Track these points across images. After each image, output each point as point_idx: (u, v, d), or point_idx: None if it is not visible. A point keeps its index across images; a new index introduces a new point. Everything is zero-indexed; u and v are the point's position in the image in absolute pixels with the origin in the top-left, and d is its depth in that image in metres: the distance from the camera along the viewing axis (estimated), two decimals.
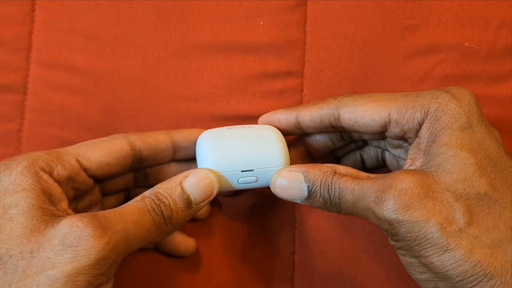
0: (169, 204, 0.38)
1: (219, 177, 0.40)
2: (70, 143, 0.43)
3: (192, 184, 0.39)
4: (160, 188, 0.38)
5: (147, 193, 0.38)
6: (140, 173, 0.46)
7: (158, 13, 0.49)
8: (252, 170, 0.40)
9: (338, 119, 0.41)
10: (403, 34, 0.48)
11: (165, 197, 0.38)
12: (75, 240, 0.34)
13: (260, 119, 0.45)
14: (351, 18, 0.49)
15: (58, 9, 0.49)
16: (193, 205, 0.39)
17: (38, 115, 0.48)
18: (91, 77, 0.49)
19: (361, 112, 0.40)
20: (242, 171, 0.40)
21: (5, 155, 0.46)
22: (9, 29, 0.49)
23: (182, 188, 0.38)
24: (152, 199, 0.38)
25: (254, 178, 0.41)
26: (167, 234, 0.39)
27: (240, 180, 0.41)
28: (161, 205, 0.37)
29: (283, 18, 0.49)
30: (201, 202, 0.39)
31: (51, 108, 0.48)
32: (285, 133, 0.43)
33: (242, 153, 0.40)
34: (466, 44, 0.48)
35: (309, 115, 0.42)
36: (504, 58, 0.48)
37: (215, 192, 0.40)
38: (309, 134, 0.45)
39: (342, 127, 0.42)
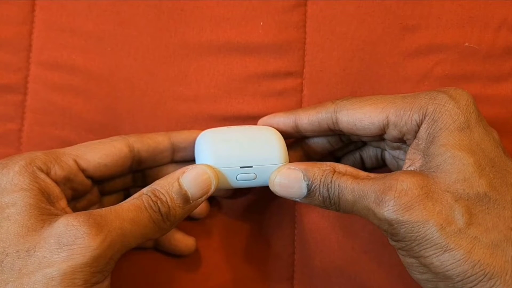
0: (166, 200, 0.38)
1: (218, 173, 0.40)
2: (70, 143, 0.43)
3: (189, 180, 0.39)
4: (158, 185, 0.38)
5: (144, 190, 0.38)
6: (138, 174, 0.46)
7: (158, 13, 0.49)
8: (251, 167, 0.40)
9: (336, 122, 0.41)
10: (403, 34, 0.48)
11: (162, 193, 0.38)
12: (71, 239, 0.34)
13: (259, 122, 0.46)
14: (351, 18, 0.49)
15: (58, 9, 0.49)
16: (191, 201, 0.39)
17: (39, 115, 0.48)
18: (91, 78, 0.49)
19: (359, 115, 0.40)
20: (241, 167, 0.40)
21: (5, 155, 0.46)
22: (9, 29, 0.49)
23: (179, 184, 0.38)
24: (149, 196, 0.38)
25: (253, 175, 0.41)
26: (166, 231, 0.39)
27: (239, 176, 0.41)
28: (158, 202, 0.37)
29: (283, 18, 0.49)
30: (199, 198, 0.39)
31: (51, 109, 0.48)
32: (283, 136, 0.43)
33: (241, 149, 0.40)
34: (466, 44, 0.48)
35: (307, 119, 0.43)
36: (504, 58, 0.48)
37: (213, 188, 0.40)
38: (307, 136, 0.45)
39: (341, 130, 0.42)
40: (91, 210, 0.36)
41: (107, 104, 0.48)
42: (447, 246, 0.33)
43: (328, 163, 0.40)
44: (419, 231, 0.34)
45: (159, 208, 0.37)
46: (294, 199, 0.40)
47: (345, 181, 0.38)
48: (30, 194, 0.36)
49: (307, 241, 0.48)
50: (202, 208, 0.47)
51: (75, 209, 0.40)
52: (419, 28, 0.48)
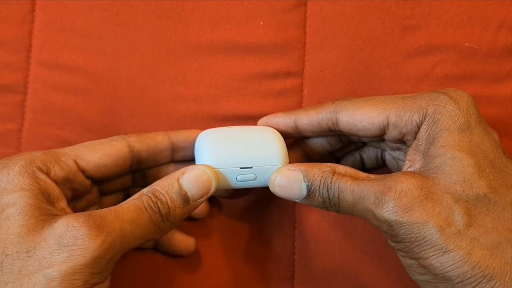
0: (166, 201, 0.38)
1: (218, 174, 0.40)
2: (70, 143, 0.43)
3: (189, 180, 0.39)
4: (158, 185, 0.38)
5: (144, 190, 0.38)
6: (138, 174, 0.46)
7: (158, 13, 0.49)
8: (251, 168, 0.40)
9: (336, 123, 0.41)
10: (403, 34, 0.48)
11: (162, 194, 0.38)
12: (71, 240, 0.34)
13: (259, 122, 0.45)
14: (351, 18, 0.49)
15: (58, 9, 0.49)
16: (191, 202, 0.39)
17: (38, 115, 0.48)
18: (91, 77, 0.49)
19: (359, 116, 0.40)
20: (241, 168, 0.40)
21: (5, 155, 0.46)
22: (9, 29, 0.49)
23: (179, 185, 0.38)
24: (149, 196, 0.38)
25: (253, 176, 0.41)
26: (165, 231, 0.39)
27: (238, 177, 0.41)
28: (158, 202, 0.37)
29: (283, 18, 0.49)
30: (199, 199, 0.39)
31: (51, 108, 0.48)
32: (283, 136, 0.43)
33: (241, 150, 0.40)
34: (466, 44, 0.48)
35: (307, 119, 0.43)
36: (504, 58, 0.48)
37: (213, 189, 0.40)
38: (307, 137, 0.45)
39: (341, 131, 0.42)
40: (91, 211, 0.36)
41: (107, 104, 0.48)
42: (447, 248, 0.33)
43: (328, 164, 0.39)
44: (419, 232, 0.34)
45: (159, 208, 0.37)
46: (294, 200, 0.40)
47: (345, 182, 0.37)
48: (30, 194, 0.36)
49: (307, 241, 0.48)
50: (202, 208, 0.47)
51: (74, 209, 0.40)
52: (419, 28, 0.48)
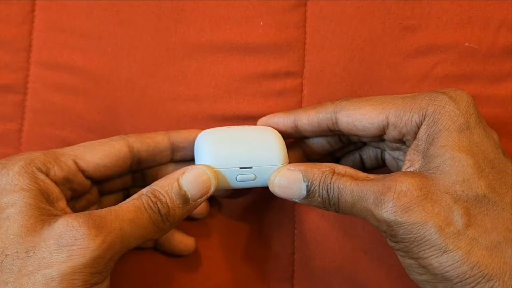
0: (166, 201, 0.38)
1: (217, 174, 0.40)
2: (70, 143, 0.43)
3: (189, 180, 0.39)
4: (157, 185, 0.38)
5: (144, 190, 0.38)
6: (138, 174, 0.46)
7: (158, 13, 0.49)
8: (251, 168, 0.41)
9: (336, 123, 0.41)
10: (403, 34, 0.48)
11: (161, 194, 0.38)
12: (71, 240, 0.34)
13: (259, 122, 0.45)
14: (351, 18, 0.49)
15: (58, 9, 0.49)
16: (190, 202, 0.39)
17: (38, 115, 0.48)
18: (91, 77, 0.49)
19: (359, 116, 0.40)
20: (240, 168, 0.40)
21: (5, 155, 0.46)
22: (9, 29, 0.49)
23: (179, 185, 0.38)
24: (149, 196, 0.38)
25: (252, 176, 0.41)
26: (165, 231, 0.39)
27: (238, 177, 0.41)
28: (157, 202, 0.38)
29: (283, 18, 0.49)
30: (199, 199, 0.39)
31: (51, 108, 0.48)
32: (283, 136, 0.43)
33: (241, 150, 0.41)
34: (466, 44, 0.48)
35: (307, 119, 0.43)
36: (504, 58, 0.48)
37: (212, 189, 0.40)
38: (307, 137, 0.45)
39: (340, 131, 0.42)
40: (91, 211, 0.36)
41: (107, 104, 0.48)
42: (446, 247, 0.33)
43: (328, 164, 0.39)
44: (418, 232, 0.34)
45: (158, 208, 0.37)
46: (293, 200, 0.40)
47: (345, 182, 0.38)
48: (29, 195, 0.36)
49: (307, 241, 0.48)
50: (202, 208, 0.47)
51: (74, 209, 0.40)
52: (419, 28, 0.48)
